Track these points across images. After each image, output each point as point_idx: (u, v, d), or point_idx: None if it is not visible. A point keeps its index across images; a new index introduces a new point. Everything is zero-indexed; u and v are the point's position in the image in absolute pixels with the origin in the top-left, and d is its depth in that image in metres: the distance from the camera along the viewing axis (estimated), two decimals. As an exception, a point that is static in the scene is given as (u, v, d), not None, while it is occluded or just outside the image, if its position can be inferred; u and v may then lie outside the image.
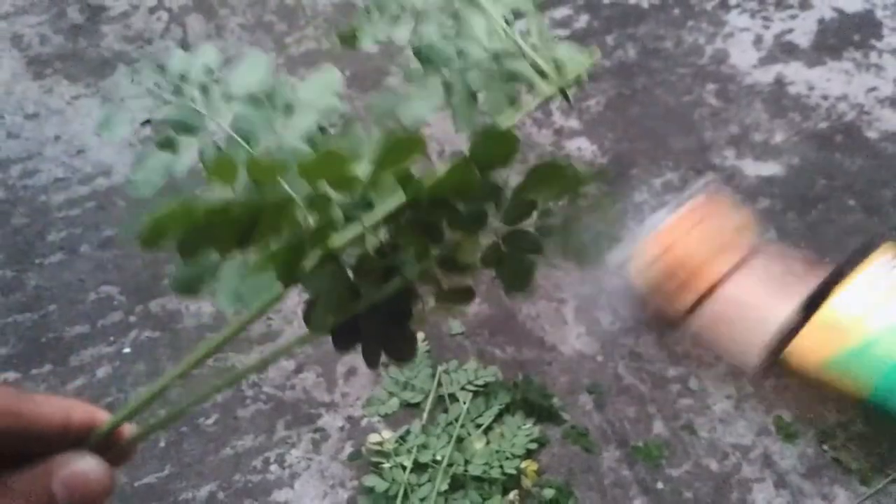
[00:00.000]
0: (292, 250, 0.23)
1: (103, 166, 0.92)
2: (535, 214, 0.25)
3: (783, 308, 0.35)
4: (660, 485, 0.70)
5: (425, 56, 0.28)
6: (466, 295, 0.26)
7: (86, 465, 0.23)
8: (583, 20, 1.02)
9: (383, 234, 0.25)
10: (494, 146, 0.22)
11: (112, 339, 0.80)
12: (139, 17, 1.06)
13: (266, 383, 0.77)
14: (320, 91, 0.28)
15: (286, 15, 1.07)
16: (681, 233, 0.40)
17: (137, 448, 0.27)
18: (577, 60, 0.28)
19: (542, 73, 0.27)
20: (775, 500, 0.68)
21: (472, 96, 0.27)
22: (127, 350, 0.79)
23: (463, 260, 0.25)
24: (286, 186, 0.24)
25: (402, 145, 0.22)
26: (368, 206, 0.24)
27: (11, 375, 0.78)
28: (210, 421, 0.74)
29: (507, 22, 0.28)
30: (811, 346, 0.33)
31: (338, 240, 0.24)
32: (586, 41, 1.00)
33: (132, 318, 0.81)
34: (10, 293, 0.83)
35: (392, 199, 0.24)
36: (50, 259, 0.86)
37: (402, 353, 0.27)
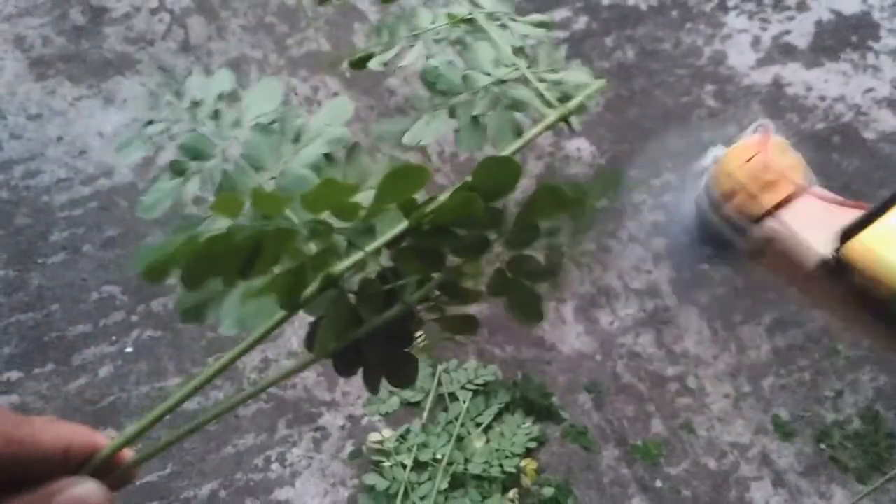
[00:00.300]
0: (294, 277, 0.23)
1: (105, 167, 0.93)
2: (540, 237, 0.24)
3: (853, 212, 0.38)
4: (658, 483, 0.70)
5: (431, 81, 0.28)
6: (470, 323, 0.26)
7: (85, 490, 0.23)
8: (582, 22, 1.03)
9: (385, 260, 0.25)
10: (497, 174, 0.22)
11: (114, 338, 0.80)
12: (141, 19, 1.07)
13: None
14: (330, 120, 0.28)
15: (287, 16, 1.07)
16: (762, 145, 0.42)
17: (138, 472, 0.27)
18: (583, 88, 0.28)
19: (546, 101, 0.27)
20: (773, 498, 0.69)
21: (476, 122, 0.27)
22: (129, 349, 0.80)
23: (465, 286, 0.25)
24: (290, 214, 0.24)
25: (406, 177, 0.22)
26: (370, 231, 0.25)
27: (14, 375, 0.78)
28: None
29: (515, 49, 0.29)
30: (873, 244, 0.35)
31: (339, 266, 0.24)
32: (585, 42, 1.01)
33: (134, 318, 0.82)
34: (12, 293, 0.84)
35: (394, 226, 0.24)
36: (52, 259, 0.86)
37: (403, 377, 0.27)
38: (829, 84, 0.94)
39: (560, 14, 1.04)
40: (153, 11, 1.08)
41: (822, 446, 0.71)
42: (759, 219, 0.42)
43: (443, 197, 0.23)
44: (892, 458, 0.69)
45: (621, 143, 0.91)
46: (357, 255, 0.24)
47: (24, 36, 1.05)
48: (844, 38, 0.98)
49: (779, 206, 0.41)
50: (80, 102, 0.99)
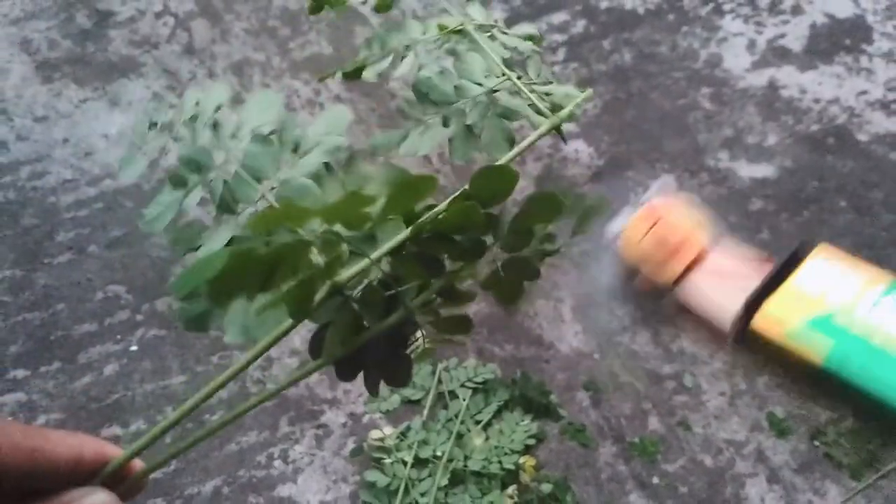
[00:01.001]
0: (304, 287, 0.23)
1: (110, 168, 0.94)
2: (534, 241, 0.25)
3: (753, 280, 0.38)
4: (655, 480, 0.71)
5: (423, 91, 0.29)
6: (464, 324, 0.27)
7: (98, 500, 0.24)
8: (580, 25, 1.04)
9: (386, 267, 0.26)
10: (494, 182, 0.23)
11: (119, 337, 0.82)
12: (146, 22, 1.08)
13: (270, 380, 0.78)
14: (328, 129, 0.29)
15: (290, 20, 1.08)
16: (664, 210, 0.42)
17: (148, 482, 0.27)
18: (571, 98, 0.29)
19: (538, 111, 0.28)
20: (768, 494, 0.70)
21: (470, 131, 0.28)
22: (134, 348, 0.81)
23: (462, 289, 0.26)
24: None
25: (416, 187, 0.22)
26: (372, 239, 0.25)
27: (21, 373, 0.79)
28: (215, 417, 0.76)
29: (505, 60, 0.29)
30: (776, 316, 0.35)
31: (345, 274, 0.25)
32: (583, 46, 1.02)
33: (139, 317, 0.83)
34: (19, 292, 0.85)
35: (397, 235, 0.25)
36: (58, 259, 0.87)
37: (401, 379, 0.28)
38: (823, 87, 0.95)
39: (558, 17, 1.05)
40: (157, 15, 1.09)
41: (817, 443, 0.72)
42: (671, 285, 0.42)
43: (442, 205, 0.24)
44: (885, 456, 0.70)
45: (619, 144, 0.92)
46: (361, 263, 0.25)
47: (30, 39, 1.06)
48: (838, 41, 0.99)
49: (689, 268, 0.40)
50: (85, 105, 1.00)
